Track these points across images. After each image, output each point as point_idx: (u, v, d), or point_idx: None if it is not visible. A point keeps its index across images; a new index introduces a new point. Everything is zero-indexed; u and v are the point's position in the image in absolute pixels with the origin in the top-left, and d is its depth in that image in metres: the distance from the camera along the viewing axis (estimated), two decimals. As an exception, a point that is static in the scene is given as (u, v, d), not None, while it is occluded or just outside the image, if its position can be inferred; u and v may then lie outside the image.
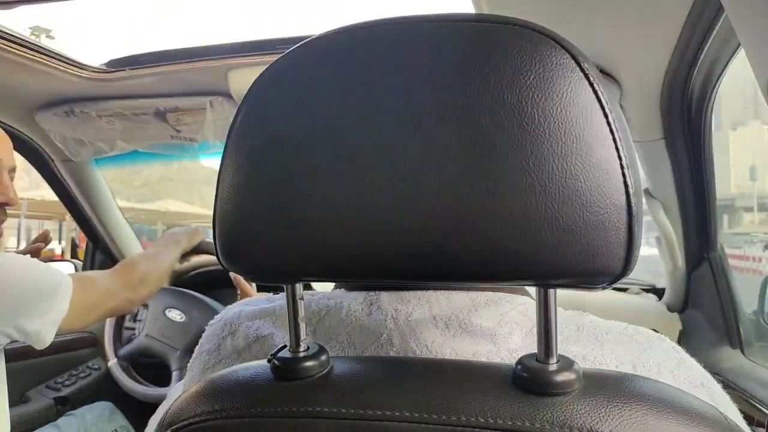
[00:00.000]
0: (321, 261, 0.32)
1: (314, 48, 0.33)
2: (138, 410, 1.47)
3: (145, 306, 1.49)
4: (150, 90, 1.24)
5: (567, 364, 0.30)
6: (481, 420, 0.29)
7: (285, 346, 0.37)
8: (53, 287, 0.87)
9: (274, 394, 0.33)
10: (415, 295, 0.43)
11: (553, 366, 0.30)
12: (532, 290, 0.39)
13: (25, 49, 1.05)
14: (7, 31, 1.02)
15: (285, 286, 0.37)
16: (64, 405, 1.45)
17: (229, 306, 0.54)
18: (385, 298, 0.44)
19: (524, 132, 0.27)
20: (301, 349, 0.36)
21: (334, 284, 0.52)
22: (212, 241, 1.14)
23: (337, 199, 0.30)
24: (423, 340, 0.40)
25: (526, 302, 0.42)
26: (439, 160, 0.28)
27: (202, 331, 1.51)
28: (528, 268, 0.28)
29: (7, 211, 0.98)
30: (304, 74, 0.32)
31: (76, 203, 1.54)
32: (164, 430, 0.35)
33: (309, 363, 0.34)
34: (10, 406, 0.92)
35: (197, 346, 0.53)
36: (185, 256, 1.25)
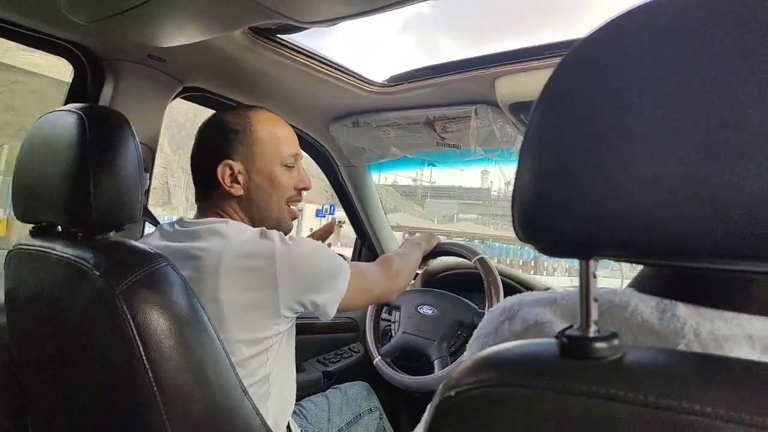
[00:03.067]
0: (624, 235, 0.31)
1: (626, 23, 0.32)
2: (390, 395, 1.59)
3: (397, 308, 1.61)
4: (423, 101, 1.37)
5: None
6: None
7: (571, 326, 0.36)
8: (338, 269, 1.00)
9: (561, 369, 0.33)
10: (720, 315, 0.39)
11: None
12: None
13: (327, 67, 1.25)
14: (312, 50, 1.23)
15: (580, 262, 0.36)
16: (330, 379, 1.65)
17: (508, 297, 0.55)
18: (683, 309, 0.40)
19: None
20: (592, 329, 0.34)
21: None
22: (451, 242, 1.16)
23: (654, 172, 0.29)
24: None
25: None
26: None
27: (457, 321, 1.56)
28: None
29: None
30: (617, 50, 0.32)
31: (352, 204, 1.77)
32: (446, 393, 0.36)
33: (600, 344, 0.33)
34: None
35: (476, 330, 0.55)
36: (425, 259, 1.39)
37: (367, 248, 1.89)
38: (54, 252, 0.79)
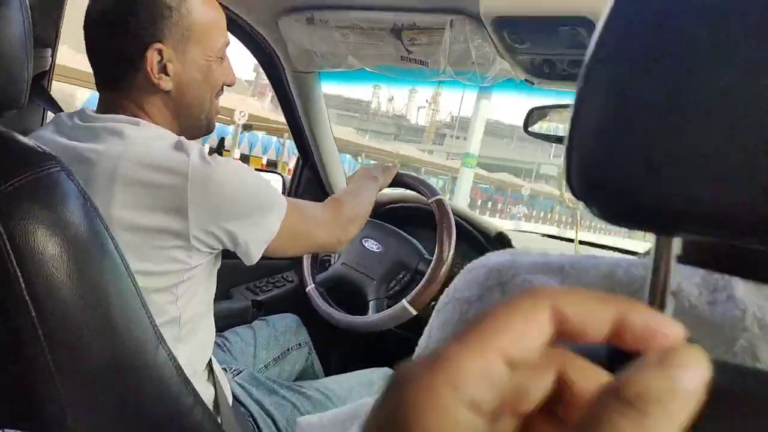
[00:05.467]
0: (727, 207, 0.22)
1: None
2: (319, 330, 1.51)
3: None
4: (392, 1, 1.17)
5: None
6: None
7: None
8: (270, 203, 0.85)
9: None
10: None
11: None
12: None
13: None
14: None
15: (656, 239, 0.25)
16: (259, 309, 1.54)
17: (490, 253, 0.44)
18: (742, 287, 0.30)
19: None
20: None
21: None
22: (409, 175, 1.02)
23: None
24: None
25: None
26: None
27: (400, 262, 1.46)
28: None
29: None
30: None
31: (296, 116, 1.57)
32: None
33: None
34: (217, 299, 0.96)
35: (448, 289, 0.43)
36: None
37: (309, 168, 1.72)
38: None
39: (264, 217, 0.85)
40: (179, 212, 0.76)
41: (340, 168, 1.75)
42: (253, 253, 0.85)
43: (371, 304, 1.38)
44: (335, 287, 1.50)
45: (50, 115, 1.07)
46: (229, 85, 0.97)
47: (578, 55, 1.05)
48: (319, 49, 1.31)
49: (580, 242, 1.61)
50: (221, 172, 0.79)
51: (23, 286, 0.54)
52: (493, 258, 0.42)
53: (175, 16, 0.84)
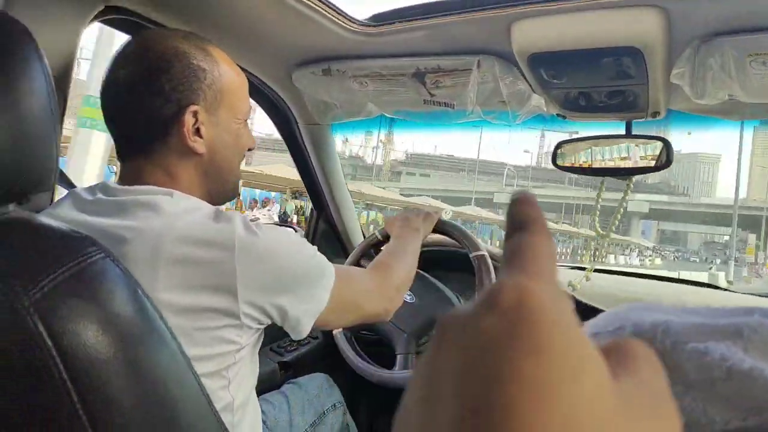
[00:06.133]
0: None
1: None
2: (350, 387, 1.42)
3: None
4: (414, 48, 1.13)
5: None
6: None
7: None
8: (318, 272, 0.79)
9: None
10: None
11: None
12: None
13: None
14: None
15: None
16: (287, 370, 1.44)
17: (619, 308, 0.36)
18: None
19: None
20: None
21: None
22: (452, 224, 0.96)
23: None
24: None
25: None
26: None
27: (434, 319, 1.39)
28: None
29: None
30: None
31: (310, 169, 1.51)
32: None
33: None
34: None
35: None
36: None
37: (324, 221, 1.65)
38: None
39: (313, 288, 0.78)
40: (228, 288, 0.68)
41: (354, 218, 1.69)
42: (303, 327, 0.77)
43: (399, 358, 1.30)
44: (363, 334, 1.43)
45: (61, 191, 0.99)
46: (250, 149, 0.93)
47: (620, 85, 1.01)
48: (337, 99, 1.26)
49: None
50: (268, 242, 0.73)
51: (75, 397, 0.46)
52: (632, 314, 0.35)
53: (209, 79, 0.80)
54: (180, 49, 0.78)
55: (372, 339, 1.41)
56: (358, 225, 1.69)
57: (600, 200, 1.28)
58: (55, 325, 0.45)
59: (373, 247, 1.44)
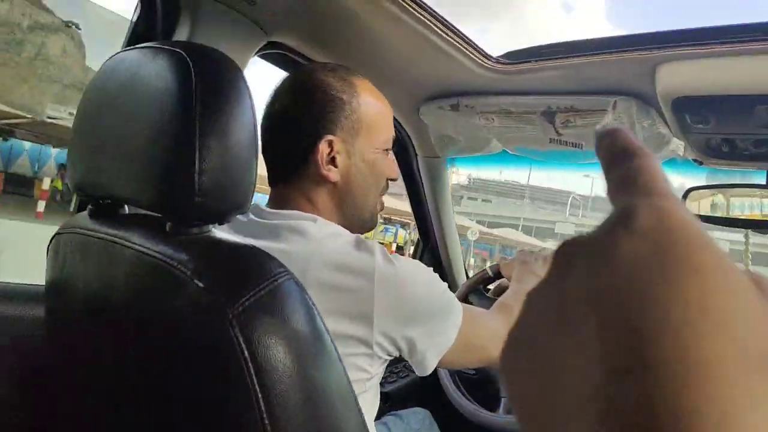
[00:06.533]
0: None
1: None
2: (448, 424, 1.39)
3: None
4: (547, 86, 1.13)
5: None
6: None
7: None
8: (448, 310, 0.78)
9: None
10: None
11: None
12: None
13: (447, 31, 1.01)
14: (432, 8, 0.98)
15: None
16: (386, 402, 1.44)
17: None
18: None
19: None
20: None
21: None
22: None
23: None
24: None
25: None
26: None
27: None
28: None
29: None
30: None
31: (422, 200, 1.53)
32: None
33: None
34: None
35: None
36: None
37: (429, 252, 1.66)
38: (128, 244, 0.56)
39: (442, 325, 0.77)
40: (365, 317, 0.70)
41: (459, 252, 1.69)
42: (429, 363, 0.76)
43: (504, 401, 1.27)
44: (466, 372, 1.40)
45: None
46: (392, 180, 0.93)
47: (768, 134, 0.96)
48: (462, 134, 1.28)
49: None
50: (406, 274, 0.73)
51: (263, 407, 0.49)
52: None
53: (347, 109, 0.83)
54: (323, 81, 0.83)
55: (475, 378, 1.39)
56: (461, 259, 1.69)
57: (749, 254, 1.20)
58: (252, 339, 0.49)
59: (482, 283, 1.43)
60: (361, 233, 0.93)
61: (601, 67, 1.03)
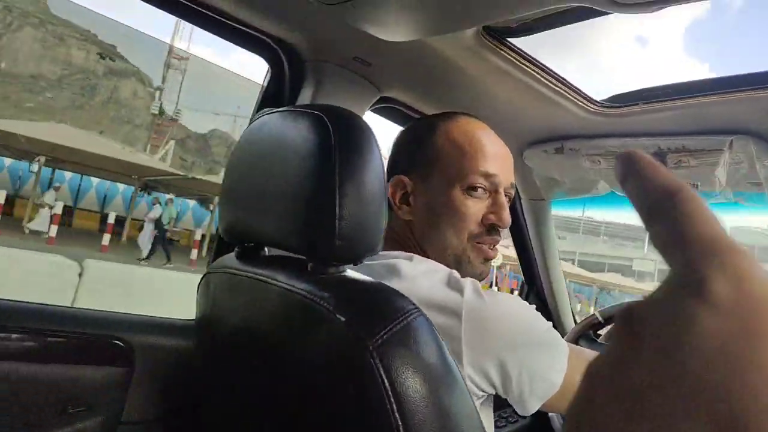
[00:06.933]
0: None
1: None
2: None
3: None
4: (656, 128, 1.12)
5: None
6: None
7: None
8: (547, 345, 0.72)
9: None
10: None
11: None
12: None
13: (551, 79, 1.04)
14: (530, 56, 1.02)
15: None
16: None
17: None
18: None
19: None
20: None
21: None
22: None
23: None
24: None
25: None
26: None
27: None
28: None
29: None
30: None
31: (526, 243, 1.54)
32: None
33: None
34: None
35: None
36: None
37: (534, 295, 1.64)
38: (274, 282, 0.63)
39: (541, 360, 0.71)
40: (455, 353, 0.68)
41: (566, 295, 1.65)
42: (528, 402, 0.71)
43: None
44: None
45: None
46: (499, 227, 0.85)
47: None
48: (567, 177, 1.29)
49: None
50: (496, 307, 0.70)
51: (402, 430, 0.53)
52: None
53: (423, 147, 0.83)
54: (414, 123, 0.87)
55: None
56: (568, 303, 1.65)
57: None
58: (391, 369, 0.53)
59: (591, 329, 1.39)
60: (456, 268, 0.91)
61: (715, 107, 1.01)
